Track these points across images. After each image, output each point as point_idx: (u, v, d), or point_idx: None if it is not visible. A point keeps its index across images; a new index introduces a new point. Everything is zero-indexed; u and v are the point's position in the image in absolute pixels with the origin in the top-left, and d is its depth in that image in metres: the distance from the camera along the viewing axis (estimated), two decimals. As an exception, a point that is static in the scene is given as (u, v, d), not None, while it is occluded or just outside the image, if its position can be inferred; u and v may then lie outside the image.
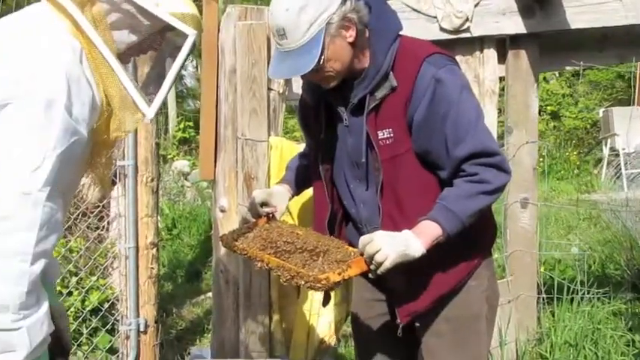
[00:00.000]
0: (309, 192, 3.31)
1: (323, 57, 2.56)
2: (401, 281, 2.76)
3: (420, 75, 2.63)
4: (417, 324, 2.93)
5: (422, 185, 2.73)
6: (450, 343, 2.88)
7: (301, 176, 3.17)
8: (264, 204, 3.04)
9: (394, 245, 2.51)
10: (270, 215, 3.04)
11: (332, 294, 3.09)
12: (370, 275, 2.62)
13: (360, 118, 2.72)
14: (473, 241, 2.77)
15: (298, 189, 3.20)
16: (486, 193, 2.64)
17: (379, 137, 2.70)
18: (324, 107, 2.86)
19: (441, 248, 2.63)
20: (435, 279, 2.80)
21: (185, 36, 2.18)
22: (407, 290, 2.83)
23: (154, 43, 2.22)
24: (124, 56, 2.16)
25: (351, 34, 2.62)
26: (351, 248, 2.68)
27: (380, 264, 2.51)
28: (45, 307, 1.98)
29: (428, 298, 2.82)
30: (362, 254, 2.55)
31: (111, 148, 2.29)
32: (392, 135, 2.69)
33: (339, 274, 2.50)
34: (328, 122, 2.87)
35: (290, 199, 3.16)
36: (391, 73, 2.67)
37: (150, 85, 2.23)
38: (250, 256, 2.80)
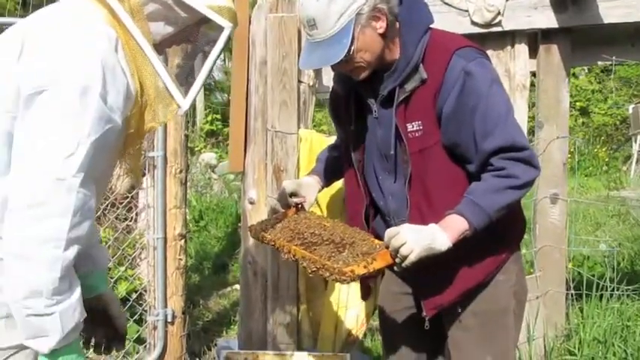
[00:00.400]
0: (338, 184, 3.31)
1: (353, 47, 2.57)
2: (427, 275, 2.76)
3: (450, 67, 2.62)
4: (444, 317, 2.93)
5: (450, 178, 2.72)
6: (477, 337, 2.88)
7: (331, 168, 3.17)
8: (293, 194, 3.05)
9: (420, 239, 2.51)
10: (299, 206, 3.05)
11: (372, 285, 3.09)
12: (395, 268, 2.62)
13: (390, 111, 2.72)
14: (501, 235, 2.75)
15: (327, 181, 3.20)
16: (514, 188, 2.62)
17: (408, 130, 2.70)
18: (354, 98, 2.86)
19: (468, 242, 2.62)
20: (461, 273, 2.79)
21: (221, 28, 2.19)
22: (433, 283, 2.82)
23: (189, 35, 2.23)
24: (158, 47, 2.17)
25: (381, 25, 2.62)
26: (377, 241, 2.67)
27: (405, 257, 2.51)
28: (77, 293, 2.00)
29: (454, 292, 2.82)
30: (387, 247, 2.55)
31: (143, 138, 2.30)
32: (421, 128, 2.69)
33: (365, 267, 2.51)
34: (358, 114, 2.87)
35: (319, 191, 3.17)
36: (421, 65, 2.67)
37: (181, 77, 2.24)
38: (277, 247, 2.81)
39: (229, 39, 2.22)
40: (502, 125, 2.61)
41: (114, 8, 2.08)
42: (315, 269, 2.58)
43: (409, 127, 2.70)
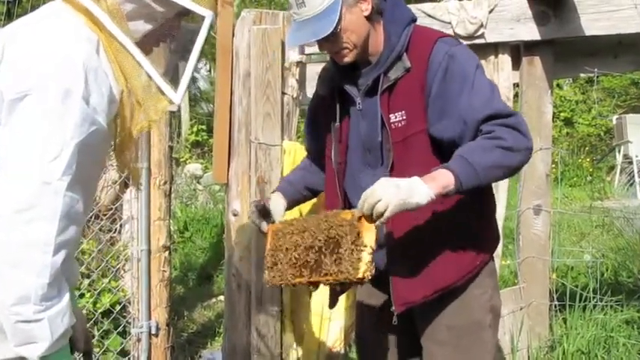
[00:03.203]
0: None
1: (340, 26, 2.61)
2: (401, 269, 2.76)
3: (434, 53, 2.67)
4: (419, 331, 2.92)
5: (432, 166, 2.67)
6: (452, 352, 2.86)
7: (297, 187, 3.16)
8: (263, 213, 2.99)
9: (396, 194, 2.43)
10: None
11: (340, 297, 3.08)
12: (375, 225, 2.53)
13: (374, 100, 2.74)
14: (475, 235, 2.78)
15: (290, 202, 3.12)
16: (503, 149, 2.54)
17: (391, 120, 2.72)
18: (337, 95, 2.87)
19: (445, 239, 2.66)
20: (434, 270, 2.76)
21: (202, 17, 2.19)
22: (406, 279, 2.79)
23: (170, 30, 2.24)
24: (142, 46, 2.17)
25: (366, 8, 2.67)
26: (349, 212, 2.61)
27: (381, 214, 2.44)
28: (66, 298, 1.99)
29: (425, 290, 2.79)
30: (363, 215, 2.50)
31: (135, 140, 2.29)
32: (404, 117, 2.71)
33: (370, 259, 2.49)
34: (341, 111, 2.87)
35: (284, 211, 3.06)
36: (405, 54, 2.71)
37: (168, 73, 2.24)
38: (297, 284, 2.78)
39: (211, 27, 2.23)
40: (490, 100, 2.62)
41: (91, 10, 2.07)
42: (337, 285, 2.64)
43: (392, 117, 2.72)
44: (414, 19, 2.81)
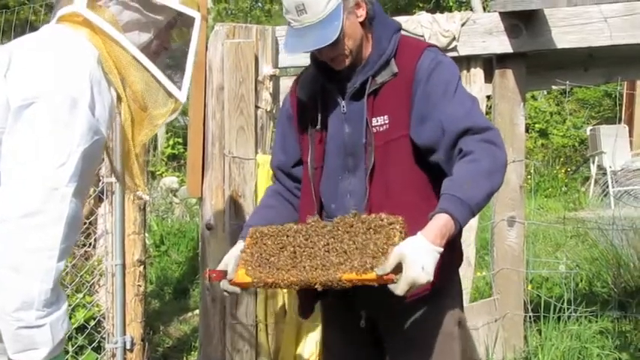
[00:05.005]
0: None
1: (341, 32, 2.61)
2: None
3: (422, 60, 2.70)
4: (389, 343, 2.90)
5: (412, 175, 2.71)
6: None
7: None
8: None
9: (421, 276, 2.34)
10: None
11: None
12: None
13: (359, 103, 2.74)
14: (448, 246, 2.71)
15: None
16: (487, 175, 2.51)
17: (373, 124, 2.72)
18: (320, 99, 2.86)
19: None
20: None
21: (192, 19, 2.29)
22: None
23: (163, 41, 2.30)
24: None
25: (361, 14, 2.69)
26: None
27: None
28: (65, 304, 2.00)
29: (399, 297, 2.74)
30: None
31: (143, 143, 2.35)
32: (386, 122, 2.72)
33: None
34: (322, 115, 2.84)
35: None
36: (393, 59, 2.73)
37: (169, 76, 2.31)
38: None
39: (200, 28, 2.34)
40: (469, 112, 2.63)
41: (95, 22, 2.14)
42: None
43: (374, 121, 2.72)
44: (401, 28, 2.84)
